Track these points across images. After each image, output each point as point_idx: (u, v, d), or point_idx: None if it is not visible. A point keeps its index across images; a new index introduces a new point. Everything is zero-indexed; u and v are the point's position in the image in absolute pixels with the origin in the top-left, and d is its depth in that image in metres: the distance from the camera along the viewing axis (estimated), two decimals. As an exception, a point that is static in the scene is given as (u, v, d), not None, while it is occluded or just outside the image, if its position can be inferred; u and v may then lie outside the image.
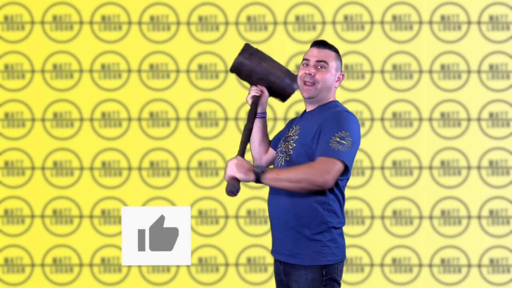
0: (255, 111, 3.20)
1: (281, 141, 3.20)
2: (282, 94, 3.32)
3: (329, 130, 2.96)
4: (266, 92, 3.26)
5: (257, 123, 3.29)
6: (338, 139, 2.92)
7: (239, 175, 2.91)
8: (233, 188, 2.89)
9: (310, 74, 3.07)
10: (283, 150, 3.12)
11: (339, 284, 3.07)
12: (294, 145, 3.06)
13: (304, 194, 2.98)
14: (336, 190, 3.03)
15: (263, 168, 2.92)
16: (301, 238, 3.01)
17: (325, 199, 3.01)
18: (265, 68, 3.27)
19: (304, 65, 3.11)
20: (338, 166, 2.91)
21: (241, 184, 2.92)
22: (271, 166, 3.35)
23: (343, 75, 3.15)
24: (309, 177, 2.88)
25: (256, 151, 3.35)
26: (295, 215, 3.01)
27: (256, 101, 3.24)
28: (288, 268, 3.07)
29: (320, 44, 3.12)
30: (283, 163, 3.09)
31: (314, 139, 2.99)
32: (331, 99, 3.14)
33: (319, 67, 3.08)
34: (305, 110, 3.21)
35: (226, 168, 2.94)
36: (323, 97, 3.11)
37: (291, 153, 3.05)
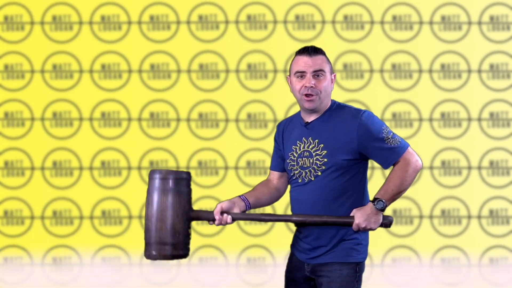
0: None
1: (294, 158, 3.11)
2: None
3: (375, 138, 3.00)
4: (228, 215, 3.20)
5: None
6: (389, 137, 2.99)
7: (374, 226, 3.04)
8: (388, 222, 3.05)
9: (312, 87, 3.01)
10: (304, 166, 3.06)
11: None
12: (325, 160, 3.01)
13: (337, 193, 3.03)
14: (365, 188, 3.12)
15: (383, 203, 3.01)
16: (337, 236, 3.05)
17: (358, 197, 3.08)
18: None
19: (299, 77, 3.04)
20: (410, 150, 3.01)
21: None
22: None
23: (335, 75, 3.12)
24: (412, 176, 2.99)
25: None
26: (331, 214, 3.03)
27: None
28: (318, 266, 3.07)
29: (310, 51, 3.04)
30: (312, 179, 3.05)
31: (347, 151, 3.01)
32: (329, 103, 3.11)
33: (317, 76, 3.03)
34: (301, 120, 3.15)
35: (357, 224, 3.01)
36: (325, 104, 3.08)
37: (324, 168, 3.02)
